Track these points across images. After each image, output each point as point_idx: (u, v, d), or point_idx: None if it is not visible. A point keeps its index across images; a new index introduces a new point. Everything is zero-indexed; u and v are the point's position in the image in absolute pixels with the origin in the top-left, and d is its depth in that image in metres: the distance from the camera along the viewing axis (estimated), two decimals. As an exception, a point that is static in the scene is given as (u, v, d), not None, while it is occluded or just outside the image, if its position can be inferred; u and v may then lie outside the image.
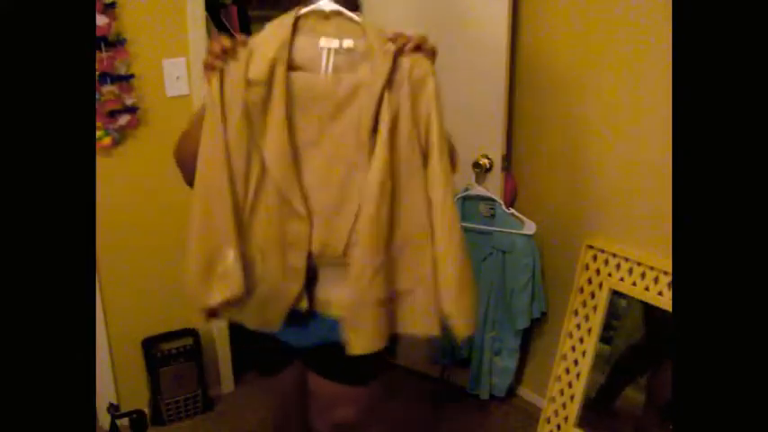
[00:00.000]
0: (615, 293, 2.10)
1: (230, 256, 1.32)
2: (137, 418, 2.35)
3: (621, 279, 2.06)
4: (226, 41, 1.28)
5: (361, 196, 1.31)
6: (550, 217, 2.32)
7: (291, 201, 1.32)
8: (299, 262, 1.35)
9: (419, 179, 1.32)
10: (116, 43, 2.06)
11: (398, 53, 1.29)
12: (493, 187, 2.32)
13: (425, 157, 1.32)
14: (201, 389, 2.47)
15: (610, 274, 2.09)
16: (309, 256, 1.35)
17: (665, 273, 1.94)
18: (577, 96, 2.16)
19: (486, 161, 2.31)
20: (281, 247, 1.35)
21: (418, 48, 1.31)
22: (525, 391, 2.58)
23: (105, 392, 2.34)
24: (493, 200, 2.34)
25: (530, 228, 2.27)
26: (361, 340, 1.34)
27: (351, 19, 1.32)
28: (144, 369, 2.41)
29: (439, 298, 1.34)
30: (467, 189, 2.34)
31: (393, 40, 1.29)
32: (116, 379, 2.37)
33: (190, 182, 1.39)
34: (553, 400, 2.24)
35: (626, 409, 2.11)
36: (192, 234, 1.34)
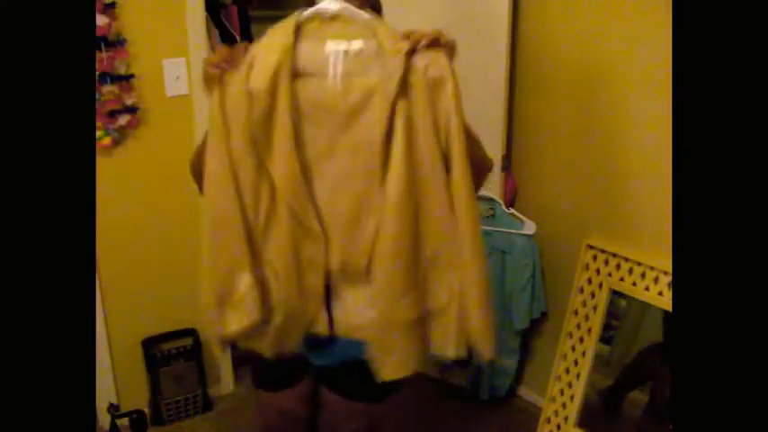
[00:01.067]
0: (615, 293, 2.10)
1: (244, 283, 1.26)
2: (137, 418, 2.35)
3: (621, 279, 2.06)
4: (225, 51, 1.21)
5: (380, 211, 1.20)
6: (550, 217, 2.33)
7: (304, 220, 1.22)
8: (317, 283, 1.26)
9: (443, 189, 1.20)
10: (116, 43, 2.06)
11: (412, 52, 1.17)
12: (493, 187, 2.32)
13: (447, 165, 1.20)
14: (201, 389, 2.47)
15: (610, 274, 2.09)
16: (328, 275, 1.27)
17: (665, 273, 1.94)
18: (577, 96, 2.16)
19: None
20: (297, 268, 1.25)
21: (434, 43, 1.19)
22: (525, 391, 2.58)
23: (105, 392, 2.34)
24: (493, 200, 2.34)
25: (530, 228, 2.27)
26: (392, 365, 1.26)
27: (358, 18, 1.21)
28: (144, 369, 2.41)
29: (467, 317, 1.24)
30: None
31: (406, 37, 1.18)
32: (116, 379, 2.37)
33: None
34: (553, 400, 2.24)
35: (626, 409, 2.11)
36: (204, 261, 1.28)
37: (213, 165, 1.24)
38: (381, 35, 1.19)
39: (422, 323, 1.26)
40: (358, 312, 1.29)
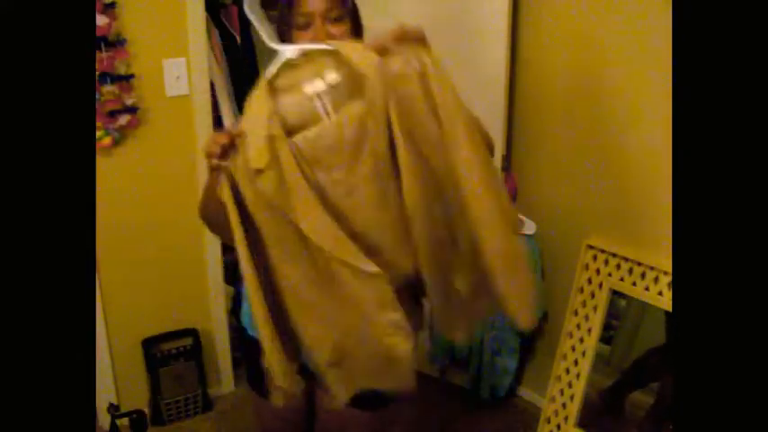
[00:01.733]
0: (615, 293, 2.10)
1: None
2: (137, 418, 2.35)
3: (621, 279, 2.06)
4: (223, 139, 1.17)
5: (409, 221, 1.19)
6: (550, 217, 2.33)
7: (358, 264, 1.17)
8: (397, 314, 1.20)
9: (454, 162, 1.17)
10: (116, 43, 2.05)
11: (382, 58, 1.14)
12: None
13: (456, 151, 1.17)
14: (201, 389, 2.47)
15: (610, 274, 2.09)
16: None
17: (665, 273, 1.94)
18: (577, 96, 2.16)
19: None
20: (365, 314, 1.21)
21: (400, 41, 1.17)
22: (525, 391, 2.58)
23: (105, 392, 2.34)
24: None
25: (530, 228, 2.27)
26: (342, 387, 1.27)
27: (321, 50, 1.18)
28: (144, 369, 2.41)
29: (488, 277, 1.19)
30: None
31: (372, 47, 1.15)
32: (116, 379, 2.37)
33: (220, 237, 1.30)
34: (553, 400, 2.24)
35: (627, 409, 2.11)
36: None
37: (244, 253, 1.20)
38: (349, 55, 1.15)
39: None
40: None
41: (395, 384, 1.28)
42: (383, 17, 2.45)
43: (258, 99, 1.17)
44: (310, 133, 1.16)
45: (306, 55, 1.18)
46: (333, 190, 1.19)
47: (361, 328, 1.22)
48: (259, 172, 1.15)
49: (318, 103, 1.16)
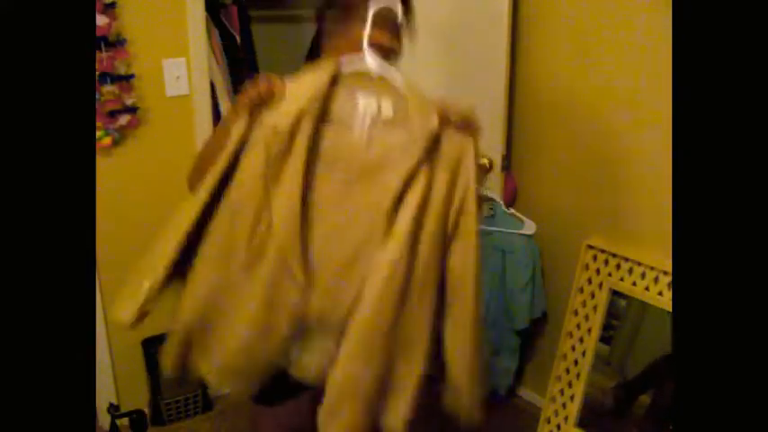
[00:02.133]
0: (615, 293, 2.10)
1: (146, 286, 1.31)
2: (137, 418, 2.35)
3: (621, 279, 2.06)
4: (264, 87, 1.21)
5: (370, 274, 1.21)
6: (550, 217, 2.32)
7: (290, 263, 1.21)
8: (283, 327, 1.25)
9: (433, 286, 1.24)
10: (116, 43, 2.05)
11: (440, 128, 1.22)
12: (493, 187, 2.32)
13: (451, 241, 1.25)
14: (201, 389, 2.47)
15: (610, 274, 2.09)
16: (299, 321, 1.26)
17: (665, 273, 1.94)
18: (577, 96, 2.16)
19: (486, 161, 2.31)
20: (266, 308, 1.24)
21: (462, 124, 1.24)
22: (525, 391, 2.58)
23: (105, 392, 2.34)
24: (493, 200, 2.34)
25: (530, 228, 2.27)
26: (334, 429, 1.25)
27: (393, 78, 1.25)
28: (144, 369, 2.40)
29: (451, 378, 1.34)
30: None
31: (436, 111, 1.22)
32: (116, 379, 2.37)
33: None
34: (553, 400, 2.24)
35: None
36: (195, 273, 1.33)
37: (212, 177, 1.25)
38: (413, 102, 1.23)
39: (380, 397, 1.27)
40: (321, 365, 1.28)
41: (247, 383, 1.33)
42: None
43: (316, 76, 1.22)
44: (338, 132, 1.23)
45: (378, 73, 1.26)
46: (322, 190, 1.23)
47: (255, 315, 1.25)
48: (276, 131, 1.19)
49: (361, 117, 1.23)
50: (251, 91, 1.21)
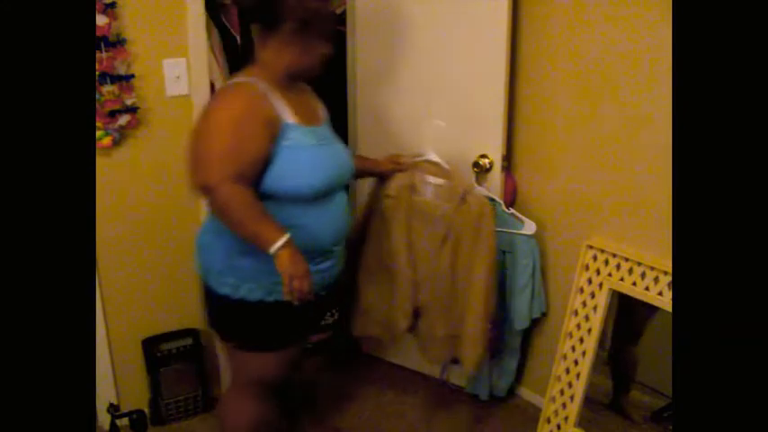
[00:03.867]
0: (615, 293, 2.10)
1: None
2: (137, 418, 2.35)
3: (621, 279, 2.06)
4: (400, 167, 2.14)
5: (435, 277, 2.15)
6: (550, 217, 2.33)
7: (402, 274, 2.16)
8: (408, 308, 2.20)
9: (471, 277, 2.11)
10: (116, 43, 2.05)
11: (466, 193, 2.06)
12: (493, 187, 2.32)
13: (476, 265, 2.09)
14: (201, 389, 2.47)
15: (610, 274, 2.09)
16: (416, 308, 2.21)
17: (665, 273, 1.94)
18: (578, 96, 2.16)
19: (486, 161, 2.31)
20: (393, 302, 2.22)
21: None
22: (525, 391, 2.58)
23: (105, 392, 2.34)
24: (493, 200, 2.33)
25: (530, 228, 2.27)
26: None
27: (443, 166, 2.12)
28: (144, 369, 2.41)
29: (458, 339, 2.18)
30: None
31: (463, 182, 2.10)
32: (116, 379, 2.37)
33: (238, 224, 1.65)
34: (553, 400, 2.24)
35: (627, 410, 2.11)
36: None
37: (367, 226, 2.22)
38: (454, 178, 2.11)
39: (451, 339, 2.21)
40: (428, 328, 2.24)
41: (385, 336, 2.30)
42: (388, 16, 2.45)
43: (412, 165, 2.13)
44: (420, 198, 2.13)
45: (437, 163, 2.14)
46: (413, 229, 2.15)
47: (388, 302, 2.22)
48: (387, 196, 2.12)
49: (431, 189, 2.13)
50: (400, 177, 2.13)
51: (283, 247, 1.55)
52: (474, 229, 2.05)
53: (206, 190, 1.59)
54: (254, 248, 1.59)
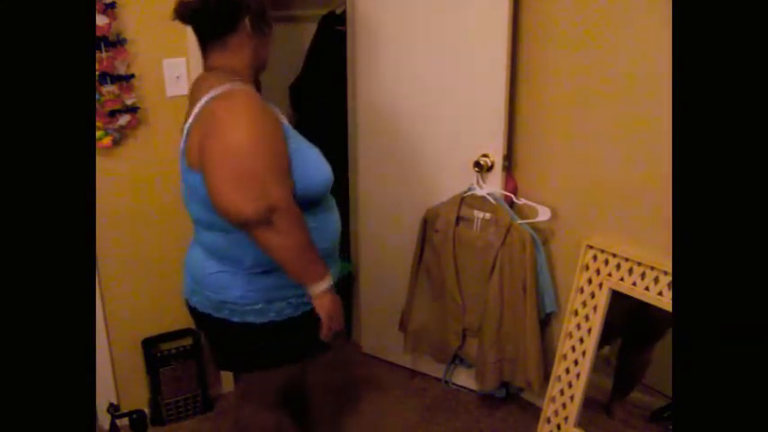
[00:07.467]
0: (615, 293, 2.09)
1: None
2: (137, 418, 2.35)
3: (621, 279, 2.06)
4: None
5: (486, 302, 2.34)
6: (550, 217, 2.32)
7: (453, 300, 2.40)
8: (458, 330, 2.43)
9: (520, 303, 2.28)
10: (116, 43, 2.05)
11: (510, 225, 2.23)
12: (494, 187, 2.32)
13: (523, 291, 2.27)
14: (201, 389, 2.47)
15: (610, 274, 2.09)
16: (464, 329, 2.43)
17: (665, 273, 1.94)
18: (578, 96, 2.16)
19: (487, 160, 2.31)
20: (444, 323, 2.47)
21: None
22: (525, 391, 2.58)
23: (105, 392, 2.34)
24: (518, 215, 2.35)
25: (545, 213, 2.25)
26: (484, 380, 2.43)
27: (489, 200, 2.28)
28: (144, 369, 2.41)
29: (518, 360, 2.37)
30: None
31: (507, 218, 2.25)
32: (116, 379, 2.37)
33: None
34: (553, 400, 2.24)
35: (627, 410, 2.11)
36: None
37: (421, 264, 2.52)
38: (499, 211, 2.27)
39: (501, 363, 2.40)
40: (473, 350, 2.44)
41: (437, 355, 2.56)
42: (388, 16, 2.45)
43: (455, 200, 2.35)
44: (465, 229, 2.34)
45: (483, 197, 2.31)
46: (460, 260, 2.35)
47: (440, 322, 2.48)
48: (436, 231, 2.38)
49: (476, 221, 2.31)
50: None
51: (329, 288, 1.50)
52: (519, 259, 2.22)
53: (270, 211, 1.40)
54: (273, 264, 1.49)
